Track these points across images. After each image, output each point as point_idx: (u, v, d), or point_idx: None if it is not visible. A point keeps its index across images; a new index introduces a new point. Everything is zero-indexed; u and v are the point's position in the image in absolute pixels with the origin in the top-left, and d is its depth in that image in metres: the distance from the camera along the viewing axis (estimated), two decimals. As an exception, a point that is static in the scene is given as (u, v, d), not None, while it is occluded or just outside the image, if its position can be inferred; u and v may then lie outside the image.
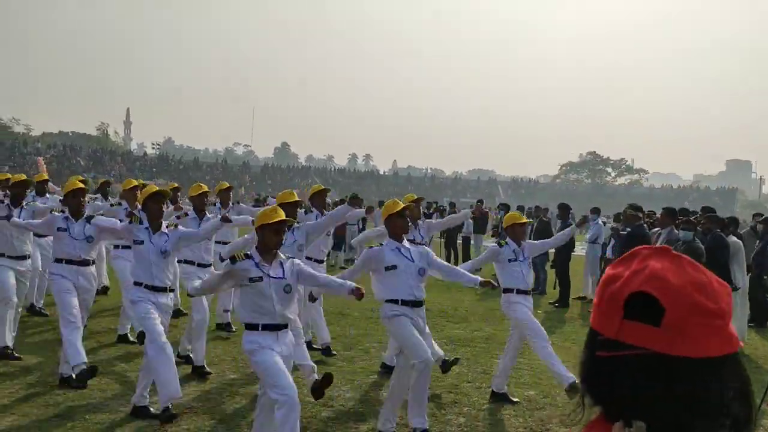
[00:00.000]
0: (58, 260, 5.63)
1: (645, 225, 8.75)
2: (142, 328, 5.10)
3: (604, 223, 12.20)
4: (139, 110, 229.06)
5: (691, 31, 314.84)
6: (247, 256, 4.04)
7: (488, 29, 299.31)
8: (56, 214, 5.83)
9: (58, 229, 5.62)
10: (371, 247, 5.05)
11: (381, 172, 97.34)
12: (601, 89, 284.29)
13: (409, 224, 5.91)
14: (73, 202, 5.74)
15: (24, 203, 6.58)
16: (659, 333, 0.79)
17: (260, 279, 3.95)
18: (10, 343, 6.20)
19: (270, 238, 4.06)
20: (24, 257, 6.54)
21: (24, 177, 7.03)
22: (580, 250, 14.23)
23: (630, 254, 0.87)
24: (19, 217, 6.09)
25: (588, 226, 11.16)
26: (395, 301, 4.72)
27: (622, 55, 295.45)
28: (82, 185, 5.86)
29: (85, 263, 5.63)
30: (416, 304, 4.78)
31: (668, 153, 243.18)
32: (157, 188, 5.57)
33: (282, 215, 4.09)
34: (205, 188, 6.81)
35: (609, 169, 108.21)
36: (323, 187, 7.44)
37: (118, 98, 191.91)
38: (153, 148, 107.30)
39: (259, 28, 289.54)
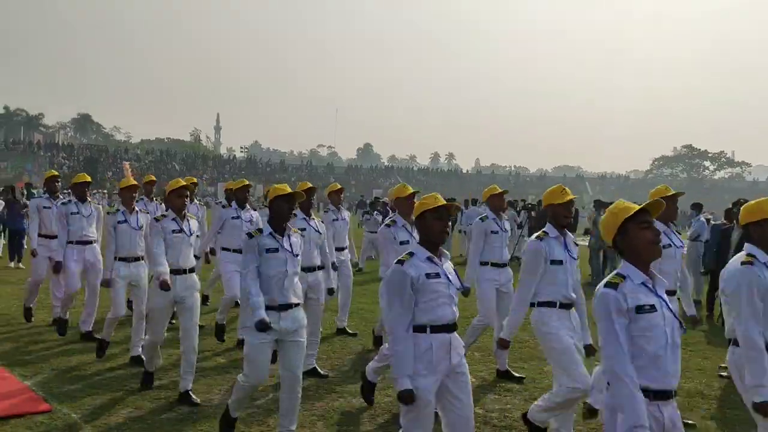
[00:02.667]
0: None
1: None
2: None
3: (708, 221, 11.54)
4: (228, 115, 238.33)
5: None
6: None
7: (565, 21, 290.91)
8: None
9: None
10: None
11: (464, 171, 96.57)
12: (696, 76, 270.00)
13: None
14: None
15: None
16: None
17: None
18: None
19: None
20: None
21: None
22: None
23: None
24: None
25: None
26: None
27: (716, 38, 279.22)
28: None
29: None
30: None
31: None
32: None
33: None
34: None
35: (707, 163, 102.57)
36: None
37: (209, 104, 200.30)
38: (241, 151, 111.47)
39: (343, 32, 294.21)
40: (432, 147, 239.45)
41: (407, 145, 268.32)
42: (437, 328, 3.29)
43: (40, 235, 7.72)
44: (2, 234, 14.72)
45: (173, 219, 5.22)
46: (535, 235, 4.34)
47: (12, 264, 12.97)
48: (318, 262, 5.93)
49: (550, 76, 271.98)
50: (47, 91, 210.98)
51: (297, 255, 4.30)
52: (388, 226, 5.62)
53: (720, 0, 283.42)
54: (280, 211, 4.28)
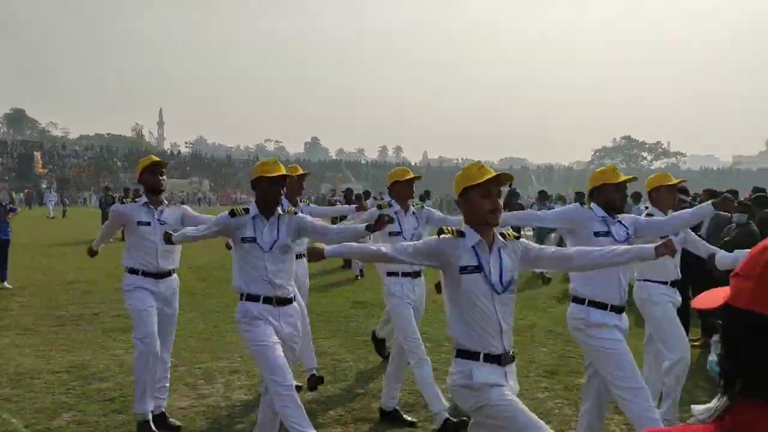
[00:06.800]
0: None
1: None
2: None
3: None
4: (171, 110, 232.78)
5: (727, 9, 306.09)
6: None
7: (513, 18, 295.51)
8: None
9: None
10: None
11: (412, 164, 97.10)
12: (634, 72, 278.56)
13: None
14: None
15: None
16: None
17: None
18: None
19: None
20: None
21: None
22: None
23: None
24: None
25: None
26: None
27: (655, 34, 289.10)
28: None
29: None
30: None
31: (705, 135, 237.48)
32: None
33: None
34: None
35: (645, 154, 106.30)
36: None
37: (151, 99, 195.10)
38: (186, 146, 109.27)
39: (289, 25, 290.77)
40: (380, 140, 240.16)
41: (355, 139, 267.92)
42: None
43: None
44: None
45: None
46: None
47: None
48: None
49: (497, 69, 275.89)
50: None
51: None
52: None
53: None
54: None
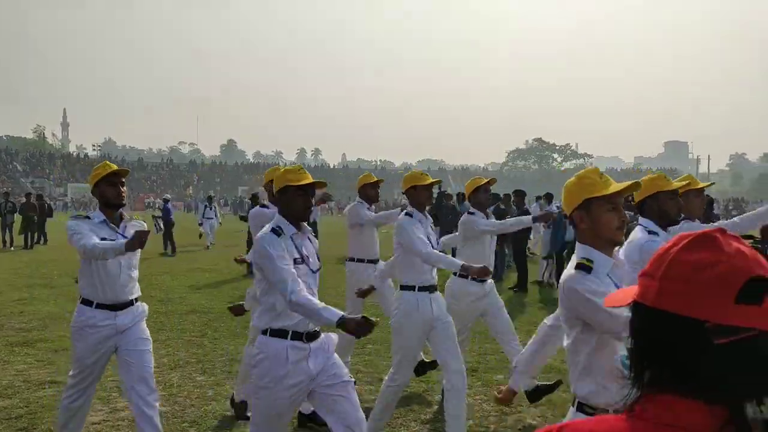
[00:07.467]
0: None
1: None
2: None
3: (558, 208, 12.45)
4: (76, 111, 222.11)
5: (633, 22, 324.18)
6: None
7: (436, 25, 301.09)
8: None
9: None
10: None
11: (331, 166, 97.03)
12: (546, 77, 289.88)
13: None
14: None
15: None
16: (763, 312, 0.84)
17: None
18: None
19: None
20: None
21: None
22: (534, 234, 14.70)
23: (704, 237, 0.89)
24: None
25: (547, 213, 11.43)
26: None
27: (566, 45, 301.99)
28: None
29: None
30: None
31: (610, 137, 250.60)
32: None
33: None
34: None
35: (555, 155, 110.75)
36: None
37: (53, 99, 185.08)
38: (94, 149, 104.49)
39: (203, 23, 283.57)
40: (298, 143, 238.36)
41: (272, 141, 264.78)
42: None
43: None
44: None
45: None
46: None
47: None
48: None
49: (413, 70, 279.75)
50: None
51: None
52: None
53: (589, 12, 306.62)
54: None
